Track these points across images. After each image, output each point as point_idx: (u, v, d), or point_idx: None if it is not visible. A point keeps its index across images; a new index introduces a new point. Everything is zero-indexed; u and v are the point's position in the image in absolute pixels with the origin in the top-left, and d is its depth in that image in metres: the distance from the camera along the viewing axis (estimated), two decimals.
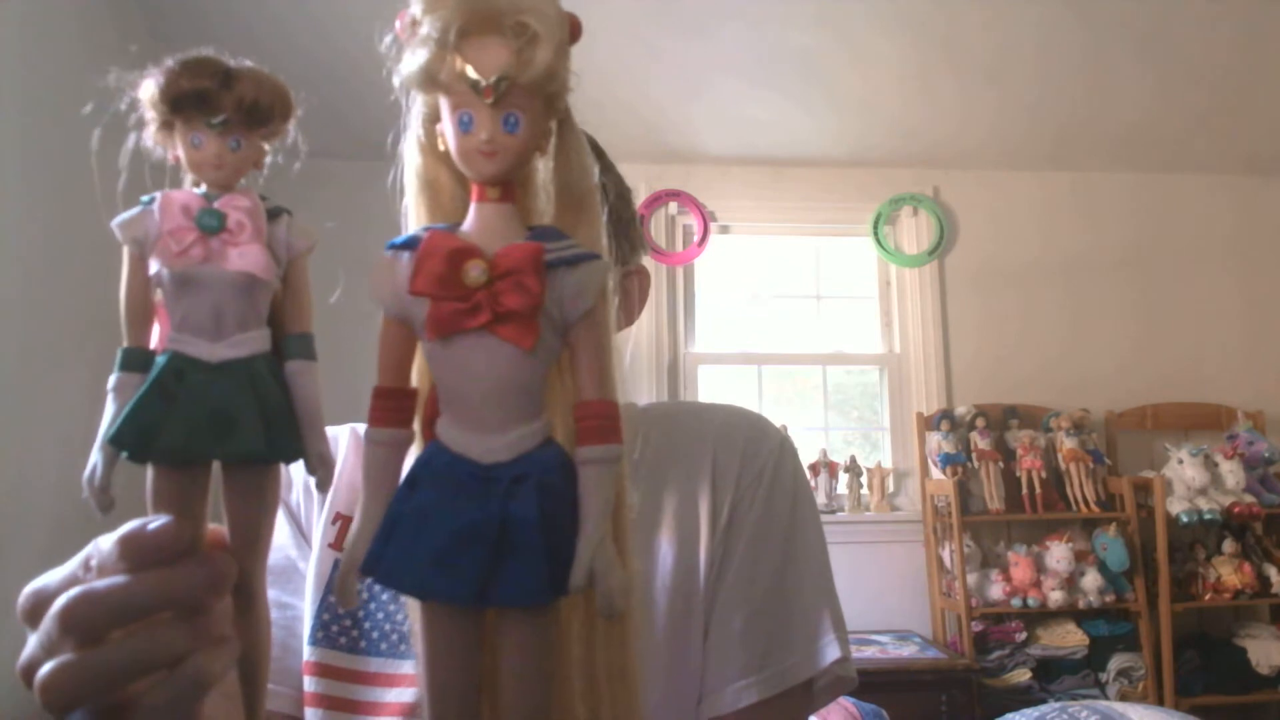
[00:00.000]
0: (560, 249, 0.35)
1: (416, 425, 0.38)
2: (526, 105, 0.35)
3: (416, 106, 0.39)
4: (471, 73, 0.34)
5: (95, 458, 0.36)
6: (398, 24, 0.35)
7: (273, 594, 0.70)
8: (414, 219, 0.39)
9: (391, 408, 0.36)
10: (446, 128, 0.36)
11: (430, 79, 0.34)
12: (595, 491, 0.35)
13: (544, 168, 0.39)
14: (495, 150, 0.35)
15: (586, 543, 0.34)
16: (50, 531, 1.78)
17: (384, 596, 0.70)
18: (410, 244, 0.35)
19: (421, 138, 0.39)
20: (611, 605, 0.34)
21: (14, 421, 1.91)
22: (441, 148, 0.37)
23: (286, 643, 0.69)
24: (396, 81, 0.36)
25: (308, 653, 0.68)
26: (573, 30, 0.35)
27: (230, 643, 0.38)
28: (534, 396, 0.35)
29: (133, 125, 0.39)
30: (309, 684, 0.67)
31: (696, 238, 3.29)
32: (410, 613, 0.38)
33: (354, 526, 0.36)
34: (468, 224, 0.36)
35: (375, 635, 0.68)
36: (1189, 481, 2.91)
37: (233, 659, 0.38)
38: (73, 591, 0.36)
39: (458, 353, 0.34)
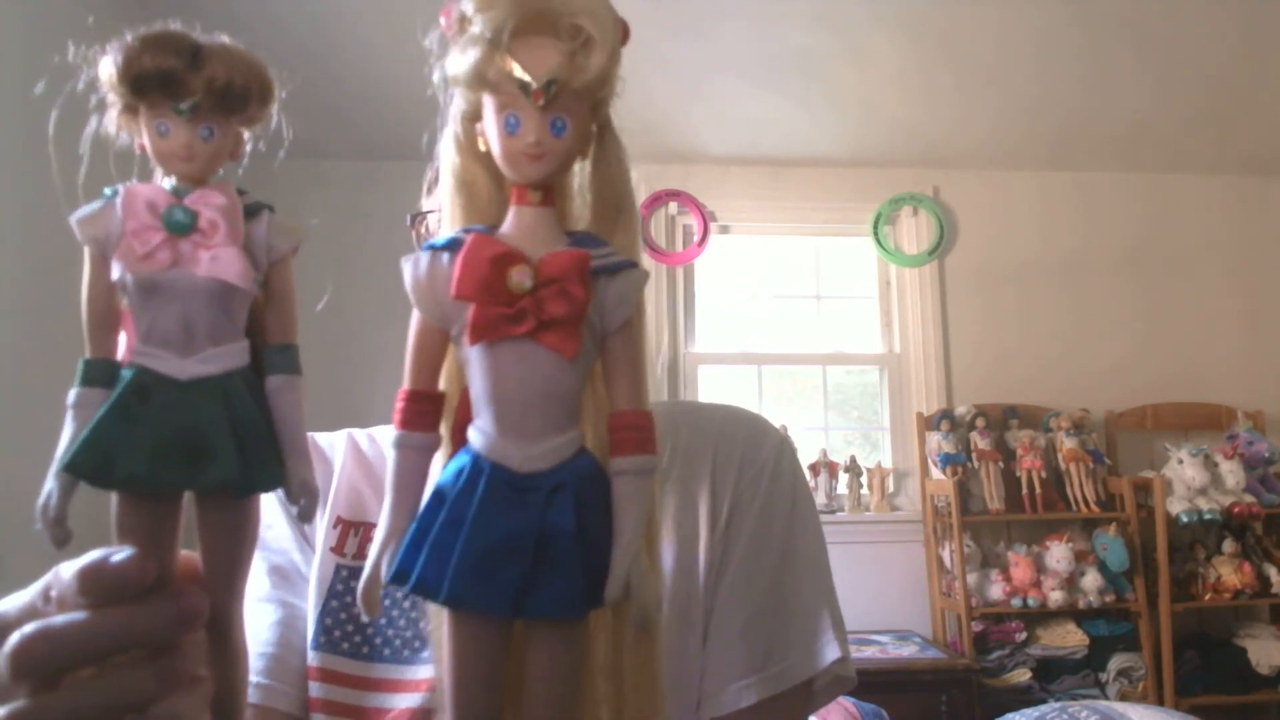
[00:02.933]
0: (602, 256, 0.35)
1: (444, 429, 0.37)
2: (575, 109, 0.34)
3: (455, 104, 0.37)
4: (522, 74, 0.33)
5: (49, 485, 0.33)
6: (443, 20, 0.34)
7: (278, 593, 0.70)
8: (449, 219, 0.38)
9: (421, 411, 0.35)
10: (490, 128, 0.35)
11: (479, 78, 0.33)
12: (631, 503, 0.34)
13: (580, 170, 0.38)
14: (542, 153, 0.34)
15: (623, 555, 0.33)
16: (48, 543, 1.77)
17: (387, 602, 0.69)
18: (451, 246, 0.34)
19: (460, 136, 0.37)
20: (647, 618, 0.33)
21: (13, 426, 1.91)
22: (482, 147, 0.36)
23: (291, 641, 0.69)
24: (437, 78, 0.35)
25: (311, 657, 0.67)
26: (623, 33, 0.35)
27: (203, 683, 0.35)
28: (572, 405, 0.35)
29: (94, 107, 0.35)
30: (313, 689, 0.66)
31: (696, 238, 3.28)
32: (434, 619, 0.37)
33: (379, 533, 0.35)
34: (507, 226, 0.35)
35: (379, 641, 0.68)
36: (1189, 481, 2.91)
37: (206, 701, 0.35)
38: (27, 629, 0.33)
39: (499, 359, 0.33)
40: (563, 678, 0.34)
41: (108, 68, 0.33)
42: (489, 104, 0.34)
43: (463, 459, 0.34)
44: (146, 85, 0.33)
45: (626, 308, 0.35)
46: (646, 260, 3.20)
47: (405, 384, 0.35)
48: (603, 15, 0.33)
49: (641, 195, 3.30)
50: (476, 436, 0.34)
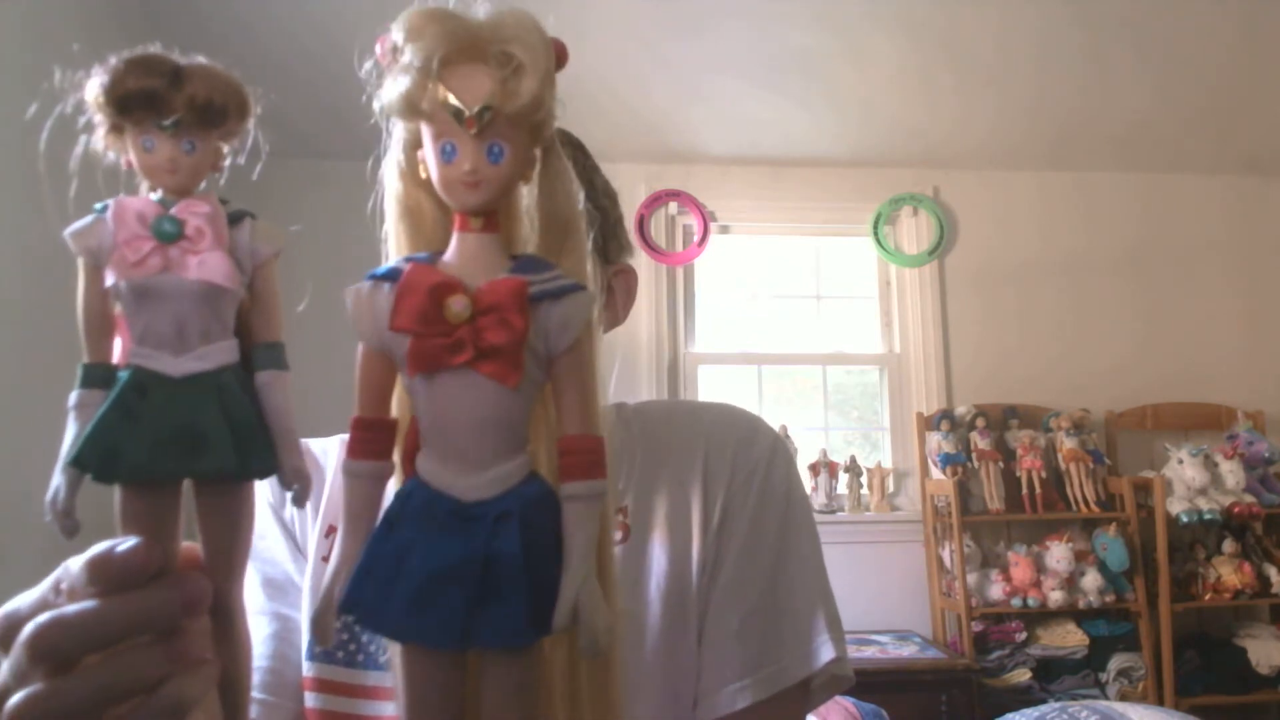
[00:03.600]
0: (544, 281, 0.34)
1: (396, 457, 0.37)
2: (511, 135, 0.34)
3: (397, 131, 0.37)
4: (455, 102, 0.33)
5: (57, 480, 0.35)
6: (378, 48, 0.34)
7: (271, 606, 0.70)
8: (394, 246, 0.38)
9: (371, 439, 0.35)
10: (428, 156, 0.35)
11: (412, 107, 0.34)
12: (580, 528, 0.34)
13: (528, 193, 0.38)
14: (479, 181, 0.34)
15: (571, 581, 0.33)
16: (49, 539, 1.77)
17: None
18: (391, 275, 0.34)
19: (402, 163, 0.38)
20: (595, 645, 0.33)
21: (12, 428, 1.91)
22: (423, 174, 0.36)
23: (286, 654, 0.69)
24: (377, 107, 0.35)
25: (306, 668, 0.67)
26: (559, 57, 0.35)
27: (209, 664, 0.37)
28: (517, 432, 0.34)
29: (82, 128, 0.37)
30: (309, 699, 0.67)
31: (696, 238, 3.28)
32: (390, 647, 0.37)
33: (331, 562, 0.35)
34: (450, 254, 0.35)
35: (373, 649, 0.67)
36: (1189, 481, 2.91)
37: (212, 681, 0.37)
38: (41, 618, 0.34)
39: (440, 389, 0.33)
40: (516, 705, 0.34)
41: (94, 90, 0.36)
42: (426, 132, 0.35)
43: (409, 488, 0.34)
44: (131, 104, 0.35)
45: (572, 332, 0.34)
46: (647, 260, 3.20)
47: (355, 412, 0.36)
48: (532, 41, 0.34)
49: (641, 195, 3.30)
50: (423, 465, 0.34)
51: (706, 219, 3.28)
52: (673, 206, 3.31)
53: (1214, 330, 3.36)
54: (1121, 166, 3.40)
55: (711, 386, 3.30)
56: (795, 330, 3.42)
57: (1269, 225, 3.46)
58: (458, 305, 0.33)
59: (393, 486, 0.36)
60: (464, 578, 0.32)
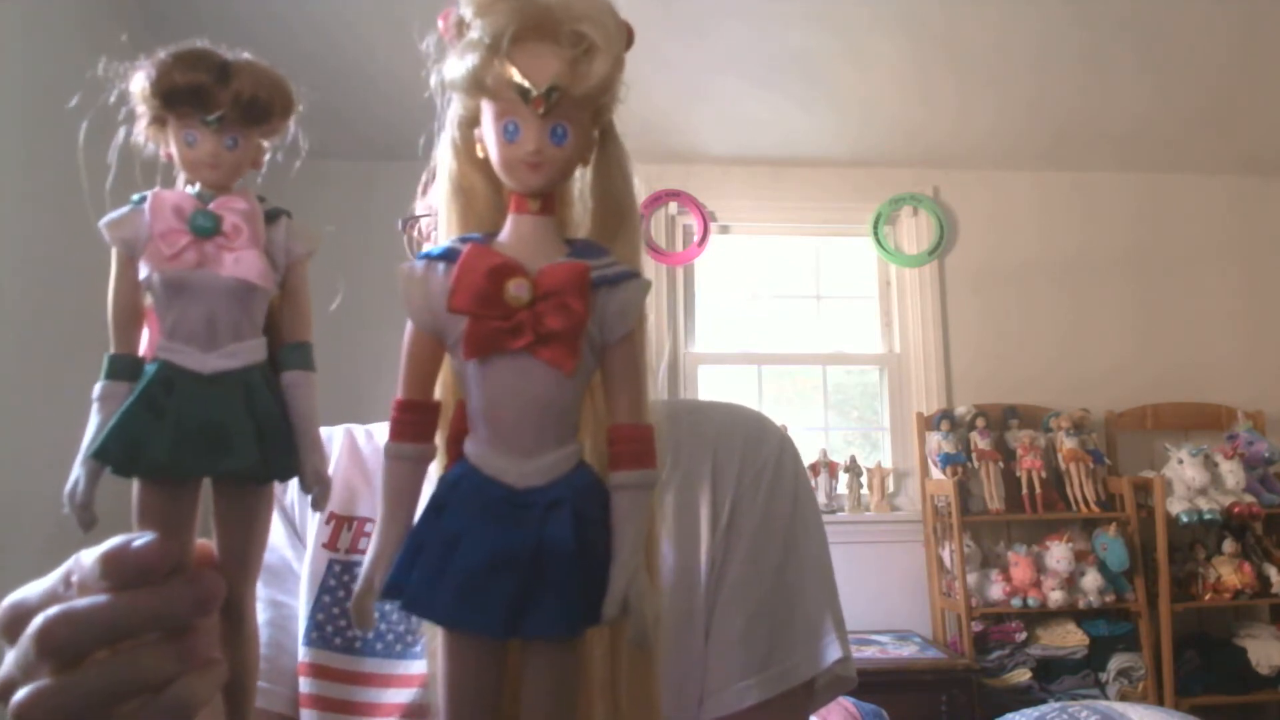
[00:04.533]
0: (603, 267, 0.34)
1: (439, 440, 0.36)
2: (575, 116, 0.33)
3: (453, 108, 0.37)
4: (522, 81, 0.32)
5: (77, 472, 0.34)
6: (441, 23, 0.34)
7: (267, 592, 0.69)
8: (445, 225, 0.37)
9: (415, 421, 0.35)
10: (488, 135, 0.34)
11: (478, 84, 0.33)
12: (630, 518, 0.33)
13: (581, 176, 0.37)
14: (541, 162, 0.33)
15: (621, 572, 0.32)
16: (48, 534, 1.77)
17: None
18: (447, 256, 0.33)
19: (457, 141, 0.37)
20: (645, 636, 0.33)
21: (12, 423, 1.91)
22: (480, 154, 0.35)
23: (281, 641, 0.68)
24: (434, 81, 0.35)
25: (302, 653, 0.67)
26: (628, 38, 0.34)
27: (218, 665, 0.36)
28: (570, 419, 0.34)
29: (122, 119, 0.37)
30: (304, 685, 0.66)
31: (696, 238, 3.28)
32: (428, 632, 0.36)
33: (372, 546, 0.34)
34: (505, 235, 0.34)
35: (371, 635, 0.67)
36: (1189, 481, 2.91)
37: (220, 681, 0.37)
38: (50, 612, 0.34)
39: (495, 373, 0.33)
40: (559, 695, 0.34)
41: (140, 82, 0.35)
42: (487, 110, 0.34)
43: (457, 473, 0.34)
44: (177, 98, 0.35)
45: (628, 320, 0.34)
46: (647, 261, 3.20)
47: (399, 394, 0.35)
48: (606, 21, 0.33)
49: (641, 195, 3.31)
50: (472, 450, 0.34)
51: (706, 219, 3.28)
52: (673, 206, 3.31)
53: (1214, 330, 3.37)
54: (1121, 166, 3.40)
55: (711, 386, 3.30)
56: (795, 330, 3.42)
57: (1269, 225, 3.46)
58: (517, 289, 0.32)
59: (435, 469, 0.36)
60: (516, 566, 0.32)
